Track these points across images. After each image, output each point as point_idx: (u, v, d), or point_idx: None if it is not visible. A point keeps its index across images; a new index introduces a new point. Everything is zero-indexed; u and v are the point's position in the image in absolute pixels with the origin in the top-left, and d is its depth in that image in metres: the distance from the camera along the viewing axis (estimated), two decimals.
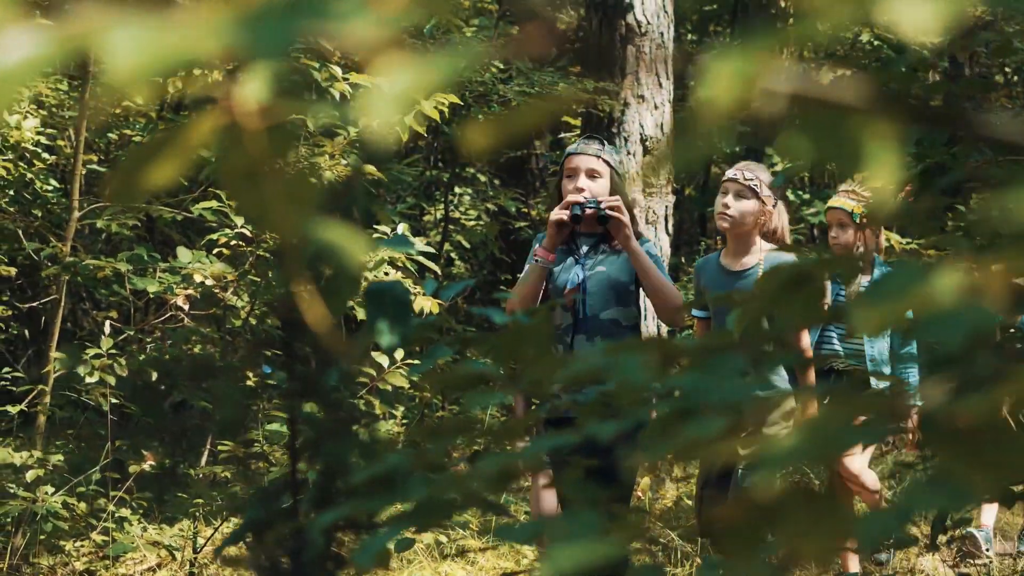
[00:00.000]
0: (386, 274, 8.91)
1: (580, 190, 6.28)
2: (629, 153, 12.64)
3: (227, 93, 0.99)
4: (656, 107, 12.70)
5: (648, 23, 12.55)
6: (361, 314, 6.88)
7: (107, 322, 9.17)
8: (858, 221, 7.57)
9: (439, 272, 10.13)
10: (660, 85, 12.64)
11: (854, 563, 7.72)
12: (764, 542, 1.15)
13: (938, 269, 1.08)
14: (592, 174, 6.34)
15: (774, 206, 6.99)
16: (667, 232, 12.78)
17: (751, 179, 6.95)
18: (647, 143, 12.62)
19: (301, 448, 2.14)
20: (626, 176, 6.67)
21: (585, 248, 6.43)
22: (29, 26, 0.78)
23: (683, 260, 16.01)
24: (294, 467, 2.14)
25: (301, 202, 1.03)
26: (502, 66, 12.58)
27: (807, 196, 15.36)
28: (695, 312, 7.44)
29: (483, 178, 15.72)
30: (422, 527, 1.75)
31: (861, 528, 1.13)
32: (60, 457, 8.74)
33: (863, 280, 6.87)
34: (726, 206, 6.90)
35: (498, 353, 1.95)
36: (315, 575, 2.06)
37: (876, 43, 16.85)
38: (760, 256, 6.79)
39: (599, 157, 6.38)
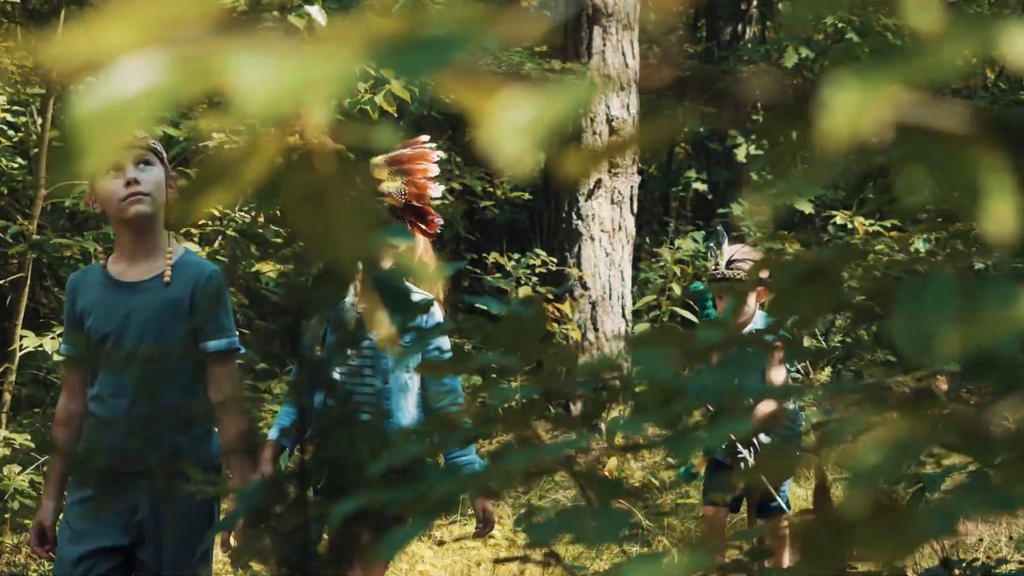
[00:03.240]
0: None
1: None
2: (595, 133, 12.65)
3: (294, 116, 0.99)
4: (622, 87, 12.71)
5: (615, 3, 12.56)
6: None
7: None
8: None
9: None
10: (627, 65, 12.65)
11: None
12: (848, 555, 1.15)
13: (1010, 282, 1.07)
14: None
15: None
16: (632, 212, 12.81)
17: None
18: (613, 123, 12.63)
19: (309, 438, 2.14)
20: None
21: None
22: (150, 53, 0.77)
23: (647, 240, 16.04)
24: (303, 456, 2.14)
25: (367, 224, 1.03)
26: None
27: (770, 177, 15.33)
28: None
29: (445, 156, 15.67)
30: (439, 517, 1.75)
31: (920, 526, 1.14)
32: (27, 436, 8.70)
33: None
34: (135, 182, 4.51)
35: (496, 342, 1.96)
36: (327, 564, 2.06)
37: (999, 84, 16.53)
38: (168, 261, 4.63)
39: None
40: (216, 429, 4.68)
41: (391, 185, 5.18)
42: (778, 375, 6.40)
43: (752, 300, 6.72)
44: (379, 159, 5.14)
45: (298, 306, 2.10)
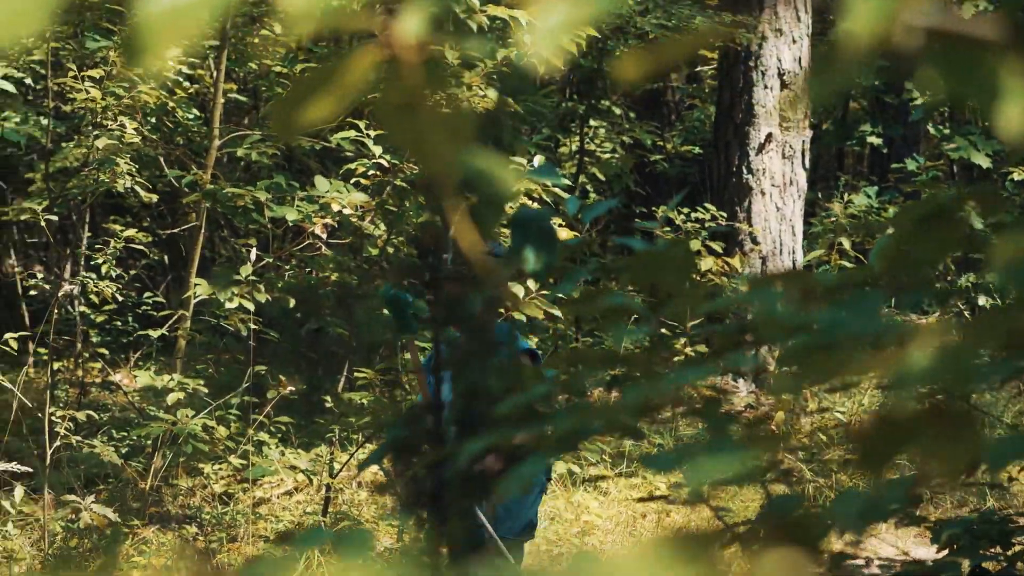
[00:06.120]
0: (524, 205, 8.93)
1: None
2: (766, 87, 12.55)
3: (385, 28, 1.01)
4: (794, 41, 12.57)
5: None
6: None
7: (252, 250, 9.28)
8: None
9: None
10: (799, 19, 12.51)
11: None
12: (896, 458, 1.17)
13: None
14: None
15: None
16: (804, 167, 12.69)
17: None
18: (784, 77, 12.52)
19: (446, 372, 2.17)
20: None
21: None
22: None
23: (819, 195, 15.87)
24: (437, 391, 2.18)
25: (457, 133, 1.06)
26: None
27: (947, 131, 15.09)
28: None
29: (618, 111, 15.64)
30: (564, 453, 1.78)
31: (991, 450, 1.15)
32: (200, 382, 8.89)
33: None
34: None
35: (636, 279, 1.97)
36: (456, 499, 2.10)
37: None
38: None
39: None
40: None
41: None
42: None
43: None
44: None
45: (434, 240, 2.14)
